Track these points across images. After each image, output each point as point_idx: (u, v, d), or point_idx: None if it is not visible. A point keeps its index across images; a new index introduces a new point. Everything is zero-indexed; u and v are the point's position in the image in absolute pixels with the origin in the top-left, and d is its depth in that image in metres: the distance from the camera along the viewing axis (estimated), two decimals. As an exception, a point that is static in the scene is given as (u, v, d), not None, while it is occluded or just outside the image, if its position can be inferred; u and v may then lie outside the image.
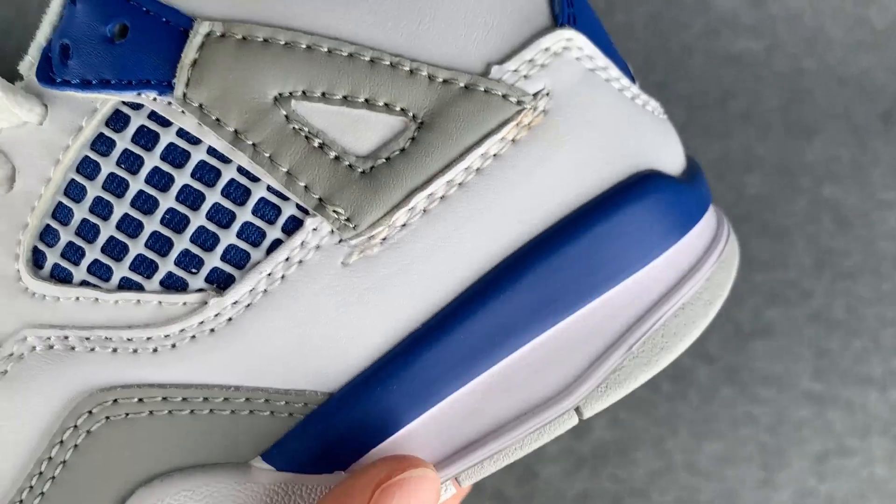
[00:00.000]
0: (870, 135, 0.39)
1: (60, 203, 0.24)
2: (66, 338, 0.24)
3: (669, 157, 0.26)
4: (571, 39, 0.24)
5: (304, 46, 0.23)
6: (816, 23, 0.39)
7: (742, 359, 0.38)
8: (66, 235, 0.24)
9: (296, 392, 0.24)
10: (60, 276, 0.24)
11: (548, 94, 0.24)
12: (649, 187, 0.25)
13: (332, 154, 0.23)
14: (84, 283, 0.24)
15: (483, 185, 0.24)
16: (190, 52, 0.23)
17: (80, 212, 0.24)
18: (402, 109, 0.23)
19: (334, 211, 0.23)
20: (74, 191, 0.24)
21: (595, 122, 0.24)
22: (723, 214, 0.29)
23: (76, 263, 0.24)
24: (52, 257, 0.24)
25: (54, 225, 0.24)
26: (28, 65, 0.25)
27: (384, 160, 0.23)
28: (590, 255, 0.24)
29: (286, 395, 0.24)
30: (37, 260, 0.24)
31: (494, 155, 0.24)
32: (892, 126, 0.39)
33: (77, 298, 0.24)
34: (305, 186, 0.23)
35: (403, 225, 0.23)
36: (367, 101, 0.23)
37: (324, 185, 0.23)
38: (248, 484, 0.24)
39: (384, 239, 0.23)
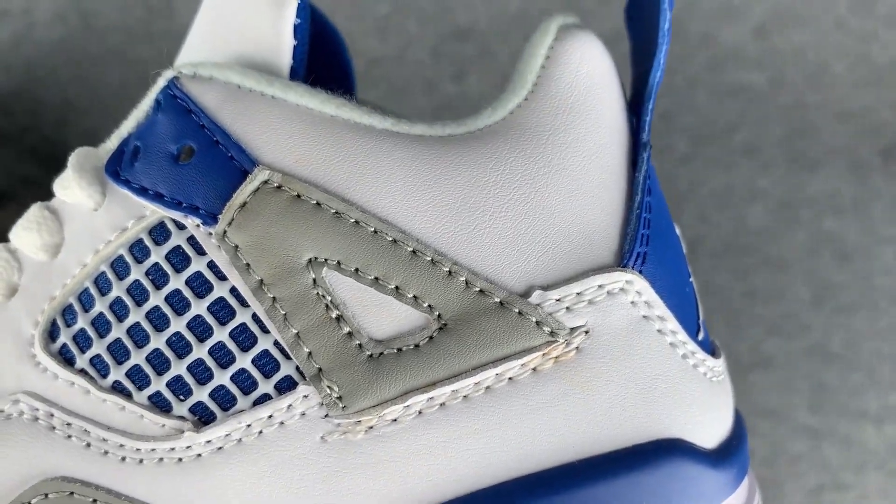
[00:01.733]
0: (871, 170, 0.39)
1: (87, 289, 0.25)
2: (52, 416, 0.24)
3: (709, 426, 0.24)
4: (630, 283, 0.23)
5: (352, 221, 0.23)
6: (820, 58, 0.39)
7: (739, 391, 0.38)
8: (83, 321, 0.24)
9: None
10: (66, 357, 0.24)
11: (587, 332, 0.23)
12: (667, 458, 0.23)
13: (346, 329, 0.23)
14: (82, 372, 0.24)
15: (489, 406, 0.23)
16: (241, 195, 0.23)
17: (101, 305, 0.24)
18: (430, 306, 0.23)
19: (329, 386, 0.23)
20: (103, 283, 0.24)
21: (630, 376, 0.23)
22: (756, 483, 0.27)
23: (82, 351, 0.24)
24: (65, 336, 0.24)
25: (76, 307, 0.25)
26: (107, 150, 0.26)
27: (395, 351, 0.23)
28: None
29: None
30: (52, 332, 0.25)
31: (510, 378, 0.23)
32: (894, 162, 0.39)
33: (72, 384, 0.24)
34: (309, 353, 0.23)
35: (394, 420, 0.23)
36: (396, 287, 0.23)
37: (328, 357, 0.23)
38: None
39: (371, 428, 0.23)
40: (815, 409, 0.38)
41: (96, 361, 0.24)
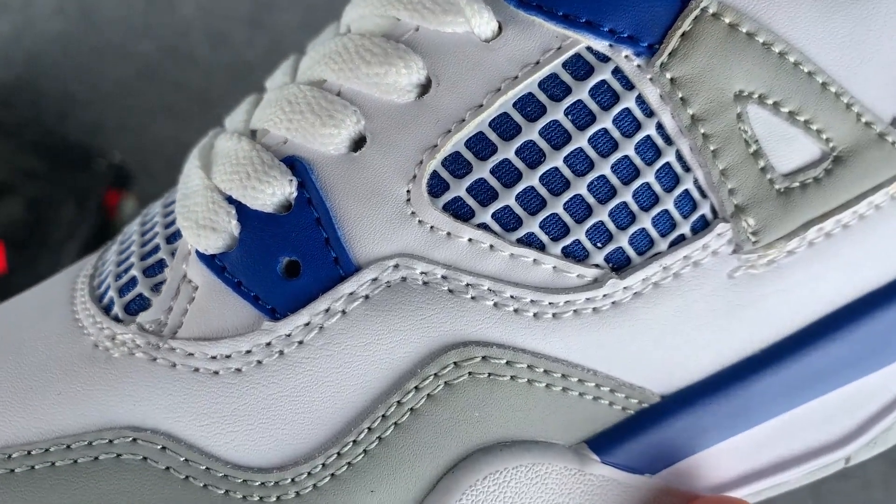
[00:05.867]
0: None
1: (481, 134, 0.22)
2: (445, 278, 0.22)
3: None
4: None
5: (777, 52, 0.22)
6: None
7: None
8: (480, 170, 0.22)
9: (638, 387, 0.23)
10: (456, 212, 0.22)
11: None
12: None
13: (761, 164, 0.23)
14: (483, 227, 0.22)
15: (863, 231, 0.24)
16: (686, 22, 0.21)
17: (505, 150, 0.22)
18: (827, 139, 0.23)
19: (746, 221, 0.23)
20: (505, 127, 0.22)
21: None
22: None
23: (483, 204, 0.22)
24: (456, 190, 0.22)
25: (467, 155, 0.22)
26: None
27: (799, 184, 0.23)
28: None
29: (629, 389, 0.23)
30: (431, 188, 0.22)
31: (877, 206, 0.24)
32: None
33: (469, 240, 0.22)
34: (731, 190, 0.22)
35: (789, 252, 0.23)
36: (805, 121, 0.23)
37: (746, 193, 0.22)
38: (578, 471, 0.23)
39: (770, 261, 0.23)
40: (817, 399, 0.38)
41: (502, 214, 0.22)
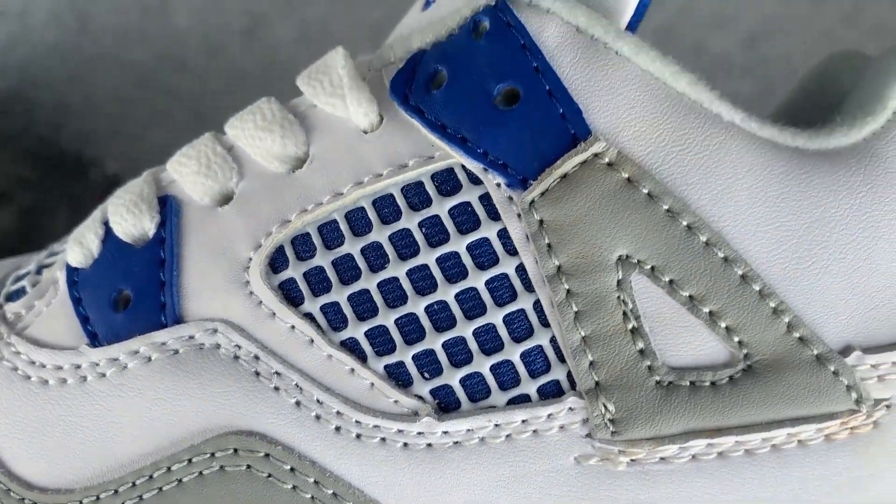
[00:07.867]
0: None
1: (335, 222, 0.21)
2: (257, 359, 0.21)
3: None
4: None
5: (683, 224, 0.20)
6: (807, 67, 0.40)
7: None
8: (322, 258, 0.21)
9: None
10: (290, 294, 0.21)
11: (888, 407, 0.20)
12: None
13: (640, 346, 0.20)
14: (309, 317, 0.21)
15: (772, 464, 0.20)
16: (568, 164, 0.19)
17: (352, 245, 0.21)
18: (741, 342, 0.20)
19: (605, 405, 0.20)
20: (359, 222, 0.21)
21: None
22: None
23: (315, 294, 0.21)
24: (294, 271, 0.21)
25: (316, 240, 0.21)
26: (383, 60, 0.21)
27: (687, 384, 0.20)
28: None
29: None
30: (275, 261, 0.21)
31: (800, 441, 0.20)
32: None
33: (293, 328, 0.21)
34: (592, 363, 0.20)
35: (663, 459, 0.20)
36: (711, 313, 0.20)
37: (611, 372, 0.20)
38: None
39: (634, 461, 0.20)
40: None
41: (330, 310, 0.21)
